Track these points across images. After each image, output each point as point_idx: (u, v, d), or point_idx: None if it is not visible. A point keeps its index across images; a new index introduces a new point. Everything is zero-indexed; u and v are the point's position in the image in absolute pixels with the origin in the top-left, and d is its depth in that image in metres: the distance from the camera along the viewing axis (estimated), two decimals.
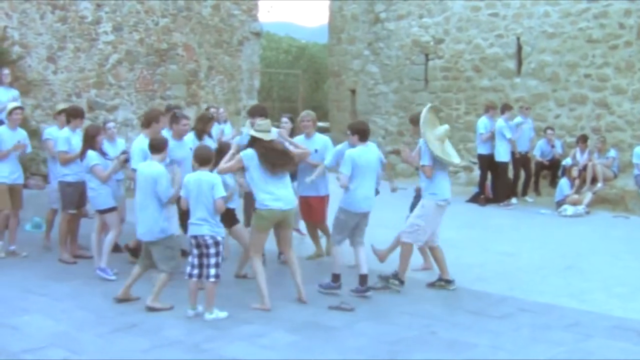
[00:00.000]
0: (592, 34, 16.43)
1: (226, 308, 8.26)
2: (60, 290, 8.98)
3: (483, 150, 16.29)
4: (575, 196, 15.28)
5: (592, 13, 16.41)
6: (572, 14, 16.77)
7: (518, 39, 17.84)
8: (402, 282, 9.24)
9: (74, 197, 10.51)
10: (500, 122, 16.03)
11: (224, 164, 8.38)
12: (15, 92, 12.96)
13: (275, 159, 8.32)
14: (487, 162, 16.24)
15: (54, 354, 6.86)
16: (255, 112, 10.31)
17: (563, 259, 11.12)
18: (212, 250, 7.97)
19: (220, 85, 18.06)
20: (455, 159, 9.56)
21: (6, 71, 13.03)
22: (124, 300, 8.44)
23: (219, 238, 8.01)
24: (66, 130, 10.58)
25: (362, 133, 9.10)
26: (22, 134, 10.87)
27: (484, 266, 10.60)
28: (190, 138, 10.19)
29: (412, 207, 10.03)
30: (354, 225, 9.02)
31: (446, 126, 9.54)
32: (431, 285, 9.44)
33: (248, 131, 8.65)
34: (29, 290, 8.96)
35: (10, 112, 10.72)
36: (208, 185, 7.94)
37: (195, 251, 8.06)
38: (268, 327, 7.70)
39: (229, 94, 18.08)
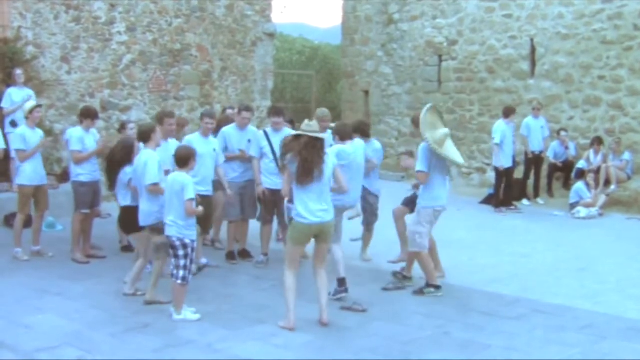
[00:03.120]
0: (607, 36, 16.36)
1: (238, 308, 8.28)
2: (73, 290, 9.00)
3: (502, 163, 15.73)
4: (589, 199, 15.22)
5: (607, 14, 16.34)
6: (586, 15, 16.70)
7: (532, 40, 17.77)
8: (437, 288, 9.14)
9: (88, 196, 10.55)
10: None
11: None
12: (29, 92, 13.03)
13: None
14: (505, 175, 15.82)
15: (68, 353, 6.88)
16: (272, 113, 10.51)
17: (577, 260, 11.08)
18: (180, 252, 7.93)
19: (234, 86, 18.11)
20: (459, 159, 9.45)
21: (19, 71, 13.11)
22: (152, 302, 8.42)
23: (187, 241, 7.95)
24: (79, 130, 10.60)
25: (341, 134, 9.22)
26: (39, 133, 10.80)
27: (497, 267, 10.57)
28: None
29: (405, 200, 10.38)
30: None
31: (446, 130, 9.24)
32: (419, 292, 9.18)
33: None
34: (43, 289, 8.99)
35: (31, 111, 10.69)
36: (179, 187, 7.93)
37: (171, 251, 8.10)
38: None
39: (242, 95, 18.11)
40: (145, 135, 8.89)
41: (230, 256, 10.69)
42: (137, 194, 8.92)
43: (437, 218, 9.31)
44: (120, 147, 9.58)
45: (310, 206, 7.71)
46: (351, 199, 9.19)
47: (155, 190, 8.47)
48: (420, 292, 9.12)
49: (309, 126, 7.87)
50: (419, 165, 9.04)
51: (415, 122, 9.47)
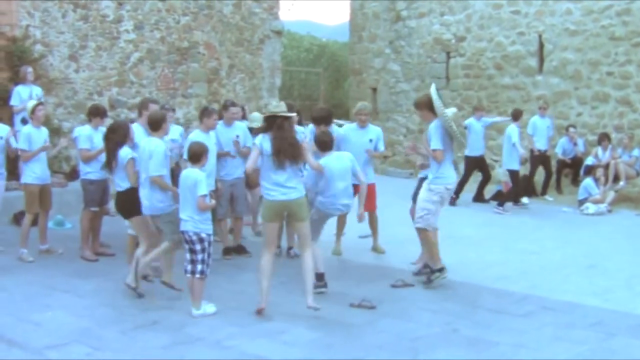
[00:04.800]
0: (615, 32, 16.31)
1: (246, 305, 8.27)
2: (82, 287, 9.02)
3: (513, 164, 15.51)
4: (598, 195, 15.19)
5: (615, 10, 16.29)
6: (594, 11, 16.65)
7: (540, 36, 17.74)
8: (441, 270, 9.13)
9: (97, 194, 10.56)
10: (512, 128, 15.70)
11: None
12: (38, 90, 13.06)
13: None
14: (517, 175, 15.69)
15: (77, 350, 6.89)
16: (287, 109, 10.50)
17: (586, 257, 11.04)
18: (197, 247, 7.98)
19: (242, 83, 18.14)
20: (465, 139, 9.53)
21: (29, 69, 13.14)
22: (168, 285, 8.60)
23: (204, 235, 7.99)
24: (88, 128, 10.60)
25: (321, 145, 9.17)
26: (44, 133, 10.80)
27: (505, 264, 10.55)
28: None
29: (414, 196, 9.98)
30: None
31: (454, 109, 9.35)
32: (428, 283, 9.21)
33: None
34: (52, 287, 9.00)
35: (33, 110, 10.69)
36: (192, 183, 7.97)
37: (186, 246, 8.14)
38: (290, 324, 7.70)
39: (250, 92, 18.14)
40: (155, 125, 8.75)
41: (226, 252, 10.74)
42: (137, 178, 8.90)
43: (448, 197, 9.38)
44: (116, 127, 9.34)
45: (277, 183, 7.98)
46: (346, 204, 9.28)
47: (158, 182, 8.48)
48: (428, 281, 9.16)
49: (278, 107, 8.24)
50: (435, 144, 9.02)
51: (419, 105, 9.41)
